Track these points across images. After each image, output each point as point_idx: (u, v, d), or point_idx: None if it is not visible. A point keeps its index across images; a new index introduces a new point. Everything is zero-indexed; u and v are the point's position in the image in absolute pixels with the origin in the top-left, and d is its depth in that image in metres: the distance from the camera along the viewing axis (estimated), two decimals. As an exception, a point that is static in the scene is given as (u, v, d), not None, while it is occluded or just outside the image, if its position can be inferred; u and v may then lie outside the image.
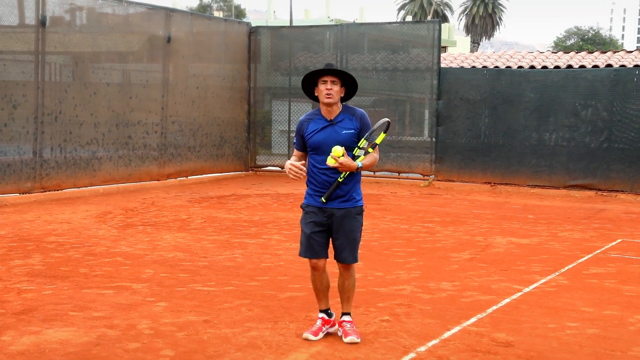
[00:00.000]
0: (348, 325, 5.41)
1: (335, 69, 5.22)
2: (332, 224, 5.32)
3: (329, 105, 5.23)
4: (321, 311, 5.53)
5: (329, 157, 5.13)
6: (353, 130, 5.24)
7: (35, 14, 13.11)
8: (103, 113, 14.56)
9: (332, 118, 5.26)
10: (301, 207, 5.44)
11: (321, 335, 5.43)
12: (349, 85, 5.31)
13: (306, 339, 5.38)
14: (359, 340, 5.32)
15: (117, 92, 14.92)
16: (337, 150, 5.10)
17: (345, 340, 5.31)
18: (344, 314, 5.49)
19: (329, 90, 5.18)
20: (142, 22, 15.91)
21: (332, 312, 5.57)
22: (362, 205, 5.37)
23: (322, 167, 5.24)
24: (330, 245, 5.42)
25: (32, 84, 13.17)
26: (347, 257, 5.35)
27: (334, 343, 5.35)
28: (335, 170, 5.20)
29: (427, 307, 6.40)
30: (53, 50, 13.67)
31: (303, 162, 5.37)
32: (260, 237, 9.73)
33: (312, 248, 5.33)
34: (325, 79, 5.21)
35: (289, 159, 18.33)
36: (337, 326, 5.51)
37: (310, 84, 5.31)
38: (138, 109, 15.37)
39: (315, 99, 5.35)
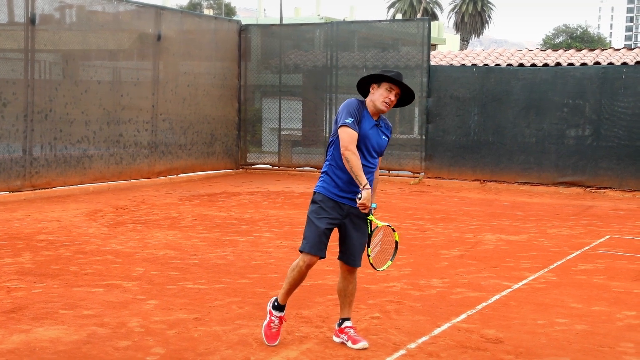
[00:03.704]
0: (352, 332, 5.24)
1: (407, 85, 5.15)
2: (345, 224, 5.14)
3: (381, 112, 5.16)
4: (281, 307, 5.29)
5: (376, 221, 5.09)
6: (387, 139, 5.21)
7: (24, 12, 13.07)
8: (94, 111, 14.53)
9: (376, 119, 5.20)
10: (314, 199, 5.17)
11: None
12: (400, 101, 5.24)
13: (272, 345, 5.19)
14: (368, 345, 5.17)
15: (107, 90, 14.89)
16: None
17: (356, 346, 5.13)
18: (344, 319, 5.30)
19: (391, 102, 5.12)
20: (132, 20, 15.88)
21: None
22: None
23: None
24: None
25: (22, 82, 13.13)
26: (358, 260, 5.22)
27: (325, 340, 5.37)
28: (368, 169, 5.10)
29: (417, 304, 6.43)
30: (43, 48, 13.62)
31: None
32: (250, 235, 9.74)
33: (320, 245, 5.06)
34: (393, 87, 5.11)
35: (279, 156, 18.07)
36: (340, 334, 5.29)
37: (369, 80, 5.19)
38: (129, 107, 15.35)
39: (363, 94, 5.25)
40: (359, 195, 4.93)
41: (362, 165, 5.03)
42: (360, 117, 5.09)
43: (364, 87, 5.27)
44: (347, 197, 5.11)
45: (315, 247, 5.07)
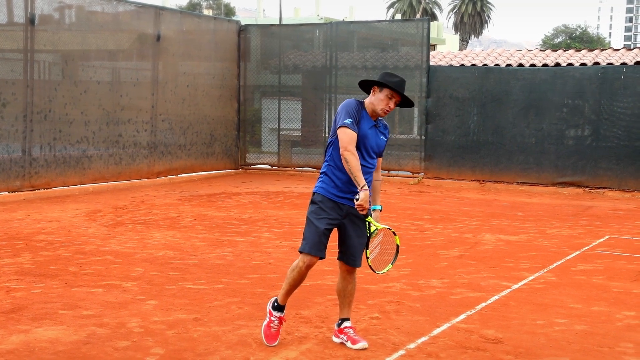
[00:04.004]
0: (352, 332, 5.24)
1: (407, 96, 5.16)
2: (345, 224, 5.13)
3: (379, 116, 5.17)
4: (281, 307, 5.29)
5: (375, 224, 5.06)
6: (385, 139, 5.22)
7: (24, 12, 13.07)
8: (93, 111, 14.53)
9: (375, 120, 5.20)
10: (314, 199, 5.17)
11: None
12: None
13: (271, 345, 5.19)
14: (367, 345, 5.17)
15: (107, 90, 14.89)
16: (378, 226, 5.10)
17: (355, 347, 5.13)
18: (344, 320, 5.30)
19: (390, 108, 5.13)
20: (132, 21, 15.88)
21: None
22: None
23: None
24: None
25: (22, 82, 13.13)
26: (357, 260, 5.21)
27: (324, 340, 5.37)
28: (366, 170, 5.10)
29: (417, 304, 6.43)
30: (42, 48, 13.62)
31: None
32: (250, 235, 9.74)
33: (320, 245, 5.06)
34: (394, 95, 5.11)
35: (278, 157, 18.09)
36: (340, 335, 5.29)
37: (373, 82, 5.18)
38: (128, 107, 15.35)
39: (365, 91, 5.25)
40: (357, 197, 4.93)
41: (361, 165, 5.03)
42: (359, 118, 5.09)
43: (366, 86, 5.27)
44: (346, 198, 5.10)
45: (315, 247, 5.07)
